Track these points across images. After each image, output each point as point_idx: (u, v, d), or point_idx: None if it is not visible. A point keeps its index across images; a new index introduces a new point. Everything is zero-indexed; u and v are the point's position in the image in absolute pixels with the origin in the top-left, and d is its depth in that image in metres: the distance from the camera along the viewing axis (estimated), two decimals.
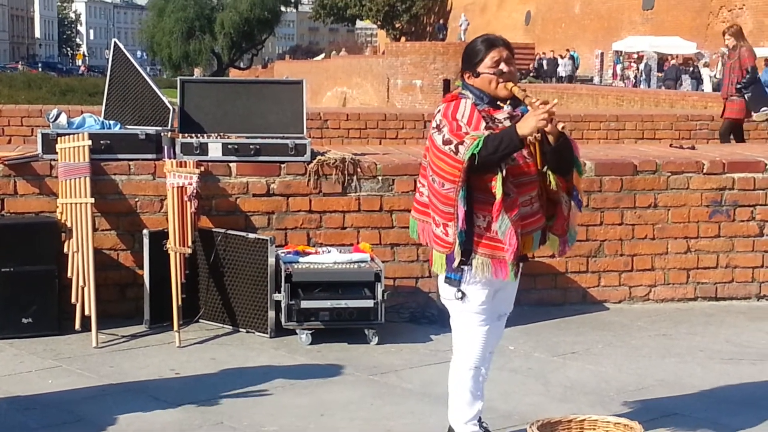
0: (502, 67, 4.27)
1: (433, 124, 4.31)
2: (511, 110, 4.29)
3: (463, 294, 4.33)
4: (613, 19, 49.71)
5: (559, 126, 4.14)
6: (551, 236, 4.48)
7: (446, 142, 4.18)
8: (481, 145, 4.09)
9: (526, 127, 4.10)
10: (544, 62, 46.20)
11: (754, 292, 7.69)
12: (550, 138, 4.18)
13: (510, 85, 4.25)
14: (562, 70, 44.56)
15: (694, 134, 13.08)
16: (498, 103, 4.30)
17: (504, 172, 4.15)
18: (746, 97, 12.28)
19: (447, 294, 4.40)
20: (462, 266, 4.26)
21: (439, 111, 4.35)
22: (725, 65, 13.93)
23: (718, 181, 7.58)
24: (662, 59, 40.25)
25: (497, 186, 4.15)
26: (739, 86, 12.24)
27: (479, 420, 4.57)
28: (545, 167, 4.30)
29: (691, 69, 35.55)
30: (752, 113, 12.66)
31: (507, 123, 4.26)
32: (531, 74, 43.74)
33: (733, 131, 12.50)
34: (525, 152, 4.23)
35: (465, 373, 4.47)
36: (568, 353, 6.28)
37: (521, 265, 4.39)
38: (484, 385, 4.56)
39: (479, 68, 4.30)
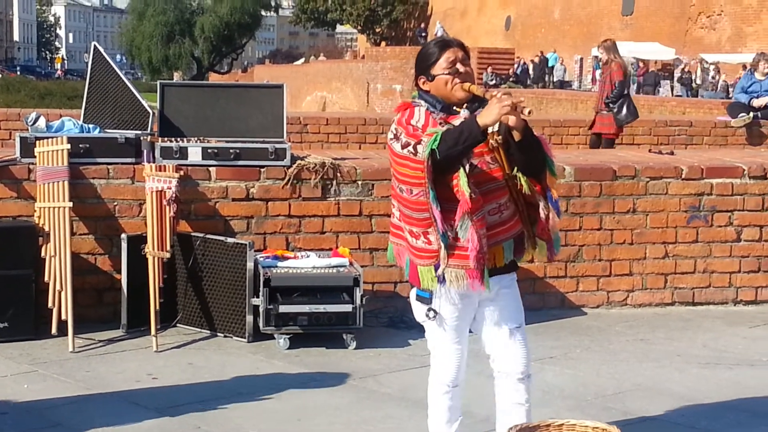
0: (458, 66, 4.07)
1: (390, 135, 4.13)
2: (468, 114, 4.04)
3: (435, 312, 4.16)
4: (592, 24, 49.88)
5: (525, 112, 3.84)
6: (539, 242, 4.28)
7: (404, 146, 4.01)
8: (439, 140, 3.89)
9: (488, 116, 3.87)
10: (530, 67, 45.99)
11: (731, 297, 7.73)
12: (515, 134, 3.94)
13: (467, 84, 4.06)
14: (557, 75, 44.36)
15: (673, 140, 13.13)
16: (454, 108, 4.09)
17: (467, 168, 3.95)
18: (614, 112, 12.18)
19: (419, 314, 4.25)
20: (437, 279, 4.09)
21: (393, 121, 4.16)
22: (600, 79, 13.88)
23: (697, 187, 7.62)
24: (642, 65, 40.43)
25: (462, 184, 3.94)
26: (607, 101, 12.18)
27: None
28: (514, 169, 4.08)
29: (681, 75, 35.45)
30: (622, 128, 12.52)
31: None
32: (511, 79, 43.79)
33: (605, 146, 12.31)
34: (488, 158, 4.04)
35: (441, 393, 4.33)
36: (546, 358, 6.29)
37: (514, 275, 4.27)
38: (530, 416, 4.36)
39: (433, 70, 4.10)
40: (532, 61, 45.71)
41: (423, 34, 60.62)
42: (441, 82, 4.09)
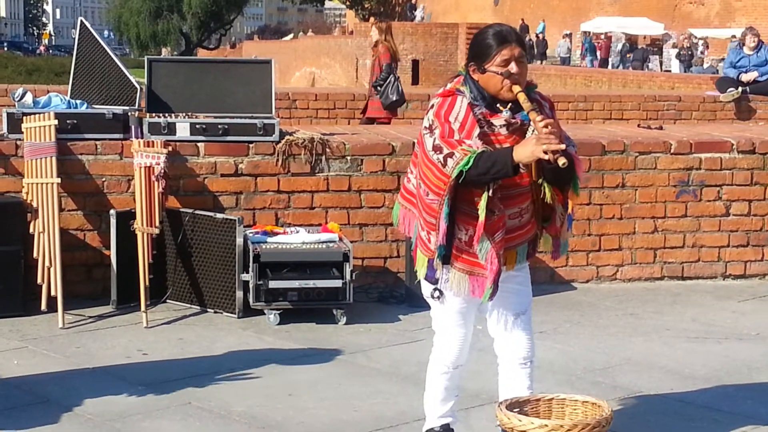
0: (512, 67, 3.93)
1: (425, 123, 4.02)
2: (510, 116, 3.97)
3: (441, 293, 4.15)
4: None
5: (560, 163, 3.76)
6: (545, 235, 4.26)
7: (436, 149, 3.91)
8: (471, 164, 3.82)
9: (523, 153, 3.81)
10: (534, 43, 45.44)
11: (720, 272, 7.74)
12: (553, 162, 3.83)
13: (517, 88, 3.92)
14: (558, 51, 43.85)
15: (662, 114, 13.12)
16: (497, 105, 3.98)
17: (492, 191, 3.90)
18: (381, 96, 11.82)
19: (425, 291, 4.24)
20: (441, 265, 4.08)
21: (432, 107, 4.03)
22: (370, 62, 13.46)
23: (686, 161, 7.62)
24: (631, 40, 40.36)
25: (481, 206, 3.91)
26: (374, 84, 11.91)
27: None
28: (540, 179, 4.02)
29: (679, 51, 35.04)
30: (395, 112, 12.22)
31: (503, 130, 3.98)
32: None
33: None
34: None
35: (441, 373, 4.32)
36: (536, 332, 6.20)
37: (526, 263, 4.27)
38: (533, 383, 4.37)
39: (487, 65, 3.96)
40: (537, 36, 45.14)
41: (414, 10, 60.41)
42: (491, 79, 3.97)
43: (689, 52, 34.11)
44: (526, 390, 4.33)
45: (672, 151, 7.60)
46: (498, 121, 3.99)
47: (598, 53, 41.59)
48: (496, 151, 3.91)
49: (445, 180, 3.89)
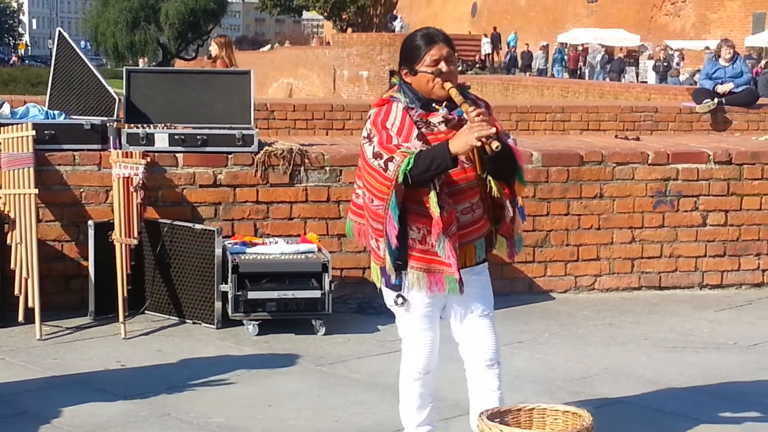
0: (442, 66, 4.04)
1: (364, 133, 4.11)
2: (447, 113, 4.07)
3: (404, 299, 4.18)
4: (558, 11, 50.02)
5: (493, 146, 3.84)
6: (499, 238, 4.32)
7: (376, 156, 4.00)
8: (411, 164, 3.91)
9: (458, 144, 3.90)
10: (518, 55, 45.34)
11: (697, 282, 7.78)
12: (486, 148, 3.90)
13: (448, 85, 4.03)
14: (536, 63, 43.92)
15: (638, 125, 13.17)
16: (433, 105, 4.09)
17: (438, 187, 3.99)
18: None
19: (388, 300, 4.27)
20: (401, 271, 4.13)
21: (369, 117, 4.14)
22: None
23: (663, 172, 7.66)
24: (607, 51, 40.56)
25: (432, 203, 3.99)
26: None
27: None
28: (485, 173, 4.10)
29: (655, 63, 35.08)
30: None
31: (442, 127, 4.08)
32: (477, 65, 43.86)
33: None
34: (463, 157, 4.02)
35: (414, 380, 4.33)
36: (515, 342, 6.32)
37: (485, 264, 4.30)
38: (501, 384, 4.39)
39: (417, 66, 4.07)
40: (510, 48, 45.25)
41: (393, 21, 60.53)
42: (423, 79, 4.08)
43: (665, 64, 34.29)
44: (496, 391, 4.35)
45: (649, 161, 7.64)
46: (435, 118, 4.09)
47: (566, 63, 41.79)
48: (433, 147, 3.98)
49: (388, 184, 3.97)
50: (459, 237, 4.08)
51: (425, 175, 3.93)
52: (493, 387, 4.35)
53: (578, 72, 40.58)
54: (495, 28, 49.73)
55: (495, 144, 3.85)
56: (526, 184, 4.27)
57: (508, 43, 48.53)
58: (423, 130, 4.06)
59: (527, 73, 41.06)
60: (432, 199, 3.99)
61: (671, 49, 37.22)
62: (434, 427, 4.46)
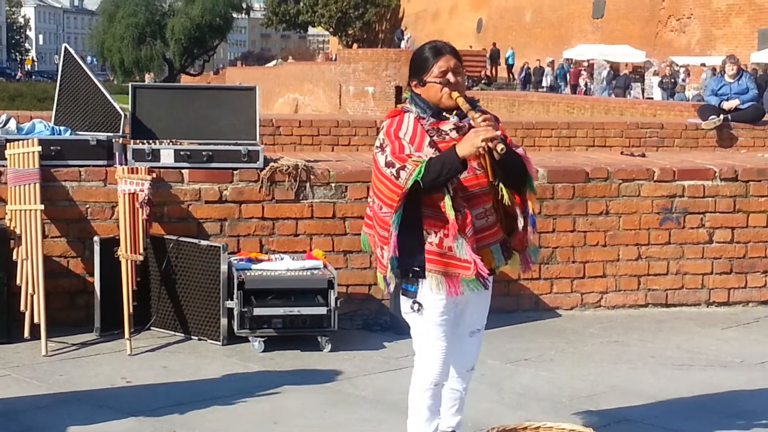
0: (449, 77, 4.19)
1: (377, 143, 4.24)
2: (458, 121, 4.20)
3: (420, 306, 4.24)
4: (563, 27, 50.10)
5: (498, 149, 3.97)
6: (513, 253, 4.41)
7: (388, 165, 4.12)
8: (423, 171, 4.04)
9: (465, 148, 4.04)
10: (531, 71, 45.03)
11: (704, 299, 7.76)
12: (495, 154, 4.04)
13: (456, 95, 4.18)
14: (548, 79, 43.58)
15: (644, 142, 13.18)
16: (444, 114, 4.22)
17: (452, 191, 4.11)
18: None
19: (405, 307, 4.31)
20: (417, 278, 4.20)
21: (382, 128, 4.28)
22: None
23: (669, 189, 7.65)
24: (613, 67, 40.59)
25: (447, 207, 4.11)
26: None
27: None
28: (497, 180, 4.23)
29: (661, 80, 34.88)
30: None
31: (453, 134, 4.19)
32: (483, 81, 43.88)
33: None
34: (475, 163, 4.16)
35: (424, 390, 4.37)
36: (521, 360, 6.30)
37: (491, 278, 4.35)
38: (463, 402, 4.59)
39: (426, 77, 4.22)
40: (538, 66, 44.90)
41: (401, 37, 60.68)
42: (432, 89, 4.22)
43: (672, 80, 34.26)
44: (460, 390, 4.56)
45: (655, 178, 7.63)
46: (446, 126, 4.22)
47: (568, 78, 41.78)
48: (442, 153, 4.12)
49: (398, 192, 4.09)
50: (475, 241, 4.19)
51: (437, 180, 4.06)
52: (459, 387, 4.56)
53: (577, 88, 40.49)
54: (494, 44, 49.75)
55: (500, 146, 3.98)
56: (536, 192, 4.43)
57: (507, 60, 48.50)
58: (435, 138, 4.19)
59: (538, 89, 40.92)
60: (447, 203, 4.11)
61: (676, 65, 37.22)
62: None
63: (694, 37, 41.62)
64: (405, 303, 4.30)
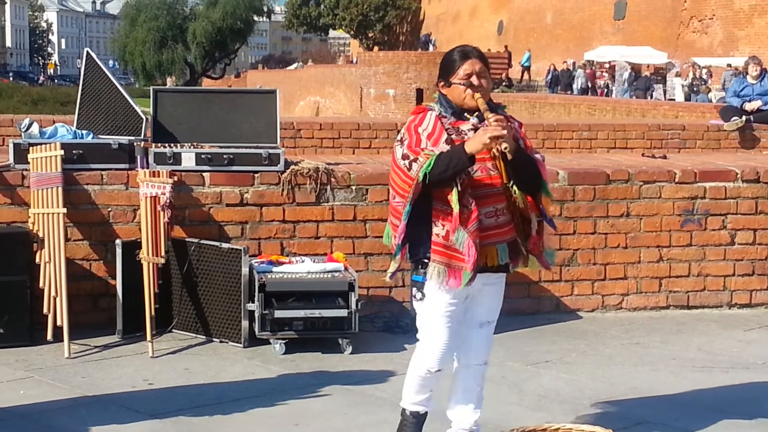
0: (473, 80, 4.37)
1: (398, 137, 4.44)
2: (477, 122, 4.37)
3: (423, 295, 4.46)
4: (584, 28, 49.97)
5: (502, 147, 4.17)
6: (531, 256, 4.56)
7: (404, 157, 4.32)
8: (432, 165, 4.22)
9: (473, 144, 4.22)
10: (558, 73, 44.50)
11: (726, 301, 7.74)
12: (507, 154, 4.23)
13: (477, 95, 4.35)
14: (579, 82, 42.95)
15: (666, 143, 13.13)
16: (465, 114, 4.41)
17: (460, 186, 4.26)
18: None
19: (414, 294, 4.53)
20: (425, 269, 4.39)
21: (405, 123, 4.48)
22: None
23: (690, 190, 7.63)
24: (634, 69, 40.42)
25: (454, 200, 4.26)
26: None
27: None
28: (510, 182, 4.38)
29: (691, 82, 34.43)
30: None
31: (471, 134, 4.35)
32: (504, 83, 43.82)
33: None
34: (489, 164, 4.34)
35: (422, 372, 4.57)
36: (542, 362, 6.30)
37: (503, 275, 4.53)
38: (480, 399, 4.69)
39: (452, 78, 4.41)
40: (566, 68, 44.39)
41: (428, 40, 60.68)
42: (456, 90, 4.42)
43: (701, 82, 33.96)
44: (476, 387, 4.67)
45: (676, 180, 7.61)
46: (466, 126, 4.41)
47: (601, 82, 41.56)
48: (451, 148, 4.30)
49: (409, 182, 4.29)
50: (481, 238, 4.32)
51: (445, 173, 4.23)
52: (473, 384, 4.68)
53: (596, 89, 40.21)
54: (506, 47, 49.57)
55: (504, 145, 4.17)
56: (550, 195, 4.59)
57: (522, 63, 48.23)
58: (453, 136, 4.37)
59: (568, 92, 40.51)
60: (453, 197, 4.27)
61: (698, 66, 37.06)
62: (429, 409, 4.68)
63: (717, 38, 41.43)
64: (414, 291, 4.50)
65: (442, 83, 4.47)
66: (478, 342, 4.63)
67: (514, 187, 4.38)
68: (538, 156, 4.48)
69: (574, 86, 41.29)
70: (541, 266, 4.62)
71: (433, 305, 4.45)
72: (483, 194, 4.34)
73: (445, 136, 4.34)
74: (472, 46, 4.56)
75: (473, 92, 4.36)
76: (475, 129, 4.35)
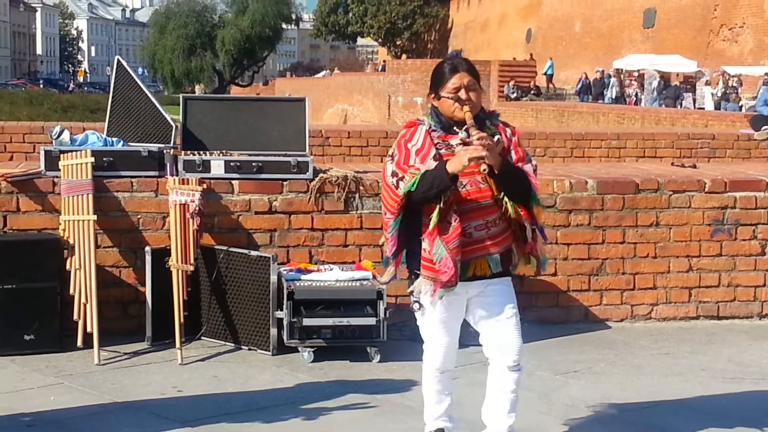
0: (461, 94, 4.41)
1: (390, 152, 4.51)
2: (465, 137, 4.38)
3: (420, 305, 4.60)
4: (613, 37, 49.84)
5: (481, 168, 4.23)
6: (531, 257, 4.65)
7: (393, 174, 4.41)
8: (416, 184, 4.30)
9: (453, 164, 4.27)
10: (590, 83, 44.11)
11: (756, 311, 7.69)
12: (488, 173, 4.30)
13: (466, 109, 4.39)
14: (612, 90, 42.53)
15: (695, 153, 13.08)
16: (454, 128, 4.44)
17: (443, 204, 4.32)
18: None
19: (412, 305, 4.66)
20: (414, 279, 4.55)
21: (397, 138, 4.54)
22: None
23: (720, 200, 7.59)
24: (663, 77, 40.23)
25: (433, 215, 4.33)
26: None
27: None
28: (501, 194, 4.43)
29: (725, 90, 34.01)
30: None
31: (460, 148, 4.38)
32: (532, 92, 43.75)
33: None
34: (479, 177, 4.38)
35: (431, 376, 4.75)
36: (570, 372, 6.28)
37: (506, 277, 4.62)
38: (515, 404, 4.71)
39: (441, 91, 4.46)
40: (598, 77, 44.01)
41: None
42: (445, 104, 4.47)
43: (734, 91, 33.77)
44: (510, 393, 4.67)
45: (706, 189, 7.58)
46: (454, 140, 4.44)
47: (630, 91, 41.38)
48: (435, 167, 4.34)
49: (397, 200, 4.39)
50: (470, 252, 4.43)
51: (429, 192, 4.31)
52: (507, 389, 4.67)
53: (625, 98, 39.99)
54: (531, 55, 49.40)
55: (483, 166, 4.23)
56: (543, 207, 4.68)
57: (545, 72, 48.01)
58: (442, 150, 4.42)
59: (599, 101, 40.26)
60: (434, 214, 4.34)
61: (728, 75, 36.87)
62: (454, 424, 4.80)
63: (747, 47, 41.22)
64: (412, 301, 4.65)
65: (432, 95, 4.52)
66: (503, 338, 4.60)
67: (505, 199, 4.44)
68: (528, 166, 4.50)
69: (607, 95, 41.07)
70: (535, 270, 4.70)
71: (429, 314, 4.60)
72: (473, 208, 4.41)
73: (433, 151, 4.38)
74: (463, 58, 4.61)
75: (461, 106, 4.40)
76: (464, 143, 4.37)
